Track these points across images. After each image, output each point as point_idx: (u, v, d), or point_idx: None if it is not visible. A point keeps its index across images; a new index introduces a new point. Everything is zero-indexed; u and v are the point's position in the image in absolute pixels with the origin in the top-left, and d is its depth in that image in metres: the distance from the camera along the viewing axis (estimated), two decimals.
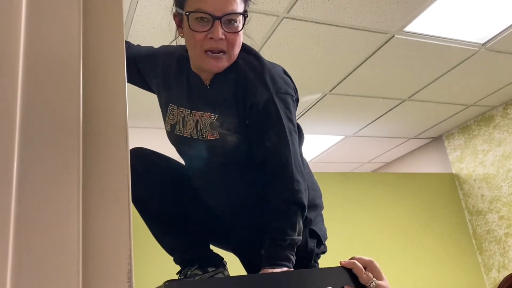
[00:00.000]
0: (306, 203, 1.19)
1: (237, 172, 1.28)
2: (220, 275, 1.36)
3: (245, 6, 1.19)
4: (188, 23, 1.13)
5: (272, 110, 1.17)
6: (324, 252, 1.34)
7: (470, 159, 4.57)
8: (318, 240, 1.30)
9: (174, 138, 1.31)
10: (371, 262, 0.91)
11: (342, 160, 5.18)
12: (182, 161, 1.40)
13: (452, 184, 4.69)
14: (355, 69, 3.16)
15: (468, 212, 4.58)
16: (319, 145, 4.59)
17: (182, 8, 1.16)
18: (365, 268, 0.91)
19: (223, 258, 1.40)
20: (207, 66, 1.18)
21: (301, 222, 1.18)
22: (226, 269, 1.39)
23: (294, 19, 2.51)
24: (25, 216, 0.52)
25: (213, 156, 1.25)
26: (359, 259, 0.91)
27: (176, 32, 1.26)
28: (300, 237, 1.17)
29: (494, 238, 4.29)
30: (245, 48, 1.26)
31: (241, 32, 1.18)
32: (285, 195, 1.17)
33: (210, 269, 1.34)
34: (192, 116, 1.24)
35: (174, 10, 1.22)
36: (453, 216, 4.51)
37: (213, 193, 1.34)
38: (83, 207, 0.55)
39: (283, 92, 1.19)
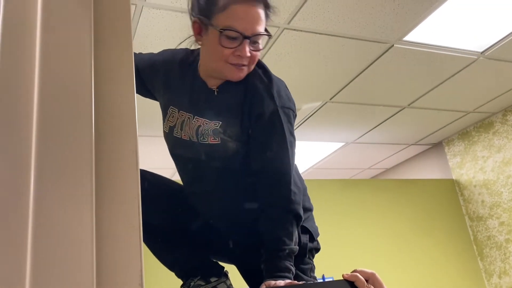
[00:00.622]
0: (301, 214, 1.22)
1: (231, 178, 1.30)
2: (222, 285, 1.37)
3: (265, 24, 1.23)
4: (219, 38, 1.15)
5: (277, 122, 1.21)
6: (318, 250, 1.37)
7: (470, 165, 4.58)
8: (310, 236, 1.33)
9: (172, 140, 1.32)
10: (373, 274, 0.93)
11: (343, 166, 5.20)
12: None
13: (452, 190, 4.71)
14: (355, 78, 3.19)
15: (468, 218, 4.60)
16: (320, 151, 4.62)
17: (208, 19, 1.18)
18: (367, 281, 0.93)
19: (224, 268, 1.42)
20: (230, 75, 1.21)
21: (297, 232, 1.21)
22: (228, 279, 1.41)
23: (294, 30, 2.54)
24: (41, 244, 0.53)
25: (211, 160, 1.27)
26: (361, 272, 0.93)
27: (192, 36, 1.27)
28: (297, 247, 1.19)
29: (495, 244, 4.30)
30: None
31: None
32: (281, 204, 1.19)
33: (212, 279, 1.36)
34: (194, 121, 1.26)
35: (195, 17, 1.23)
36: (453, 222, 4.52)
37: (207, 198, 1.35)
38: (97, 228, 0.57)
39: (287, 106, 1.24)
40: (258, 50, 1.21)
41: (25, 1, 0.66)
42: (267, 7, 1.20)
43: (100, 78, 0.65)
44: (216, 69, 1.23)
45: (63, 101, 0.61)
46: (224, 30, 1.14)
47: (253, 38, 1.17)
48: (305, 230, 1.32)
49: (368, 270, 0.94)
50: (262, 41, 1.21)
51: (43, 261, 0.52)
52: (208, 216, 1.37)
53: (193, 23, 1.23)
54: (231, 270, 1.43)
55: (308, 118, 3.74)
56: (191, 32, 1.33)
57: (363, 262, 3.86)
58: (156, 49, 1.45)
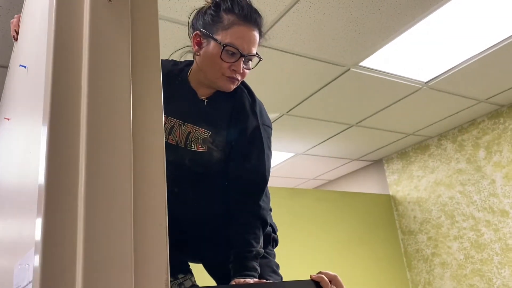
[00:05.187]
0: (268, 220, 1.37)
1: (209, 183, 1.41)
2: (188, 281, 1.48)
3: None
4: (221, 53, 1.27)
5: (257, 137, 1.36)
6: (277, 243, 1.51)
7: (406, 183, 4.94)
8: (272, 228, 1.48)
9: None
10: (335, 276, 1.09)
11: (290, 175, 5.42)
12: None
13: (388, 204, 5.03)
14: (311, 95, 3.39)
15: (401, 231, 4.94)
16: (271, 160, 4.78)
17: (211, 33, 1.30)
18: (330, 282, 1.08)
19: (189, 265, 1.53)
20: (223, 85, 1.34)
21: (262, 236, 1.35)
22: (193, 275, 1.51)
23: (262, 46, 2.68)
24: (92, 238, 0.64)
25: (194, 165, 1.37)
26: (325, 274, 1.08)
27: (188, 47, 1.38)
28: (263, 250, 1.34)
29: (422, 257, 4.66)
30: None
31: None
32: (252, 211, 1.33)
33: (179, 276, 1.47)
34: (184, 127, 1.36)
35: (197, 30, 1.33)
36: (387, 234, 4.83)
37: (183, 200, 1.42)
38: (134, 226, 0.68)
39: (267, 124, 1.39)
40: (249, 68, 1.35)
41: (73, 26, 0.76)
42: (261, 33, 1.35)
43: (136, 94, 0.77)
44: (211, 79, 1.34)
45: (107, 115, 0.72)
46: (227, 45, 1.27)
47: (247, 57, 1.31)
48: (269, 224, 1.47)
49: (331, 273, 1.09)
50: (253, 62, 1.36)
51: (93, 249, 0.63)
52: (180, 216, 1.47)
53: (195, 35, 1.34)
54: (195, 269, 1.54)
55: None
56: (186, 43, 1.45)
57: (303, 267, 4.06)
58: None
